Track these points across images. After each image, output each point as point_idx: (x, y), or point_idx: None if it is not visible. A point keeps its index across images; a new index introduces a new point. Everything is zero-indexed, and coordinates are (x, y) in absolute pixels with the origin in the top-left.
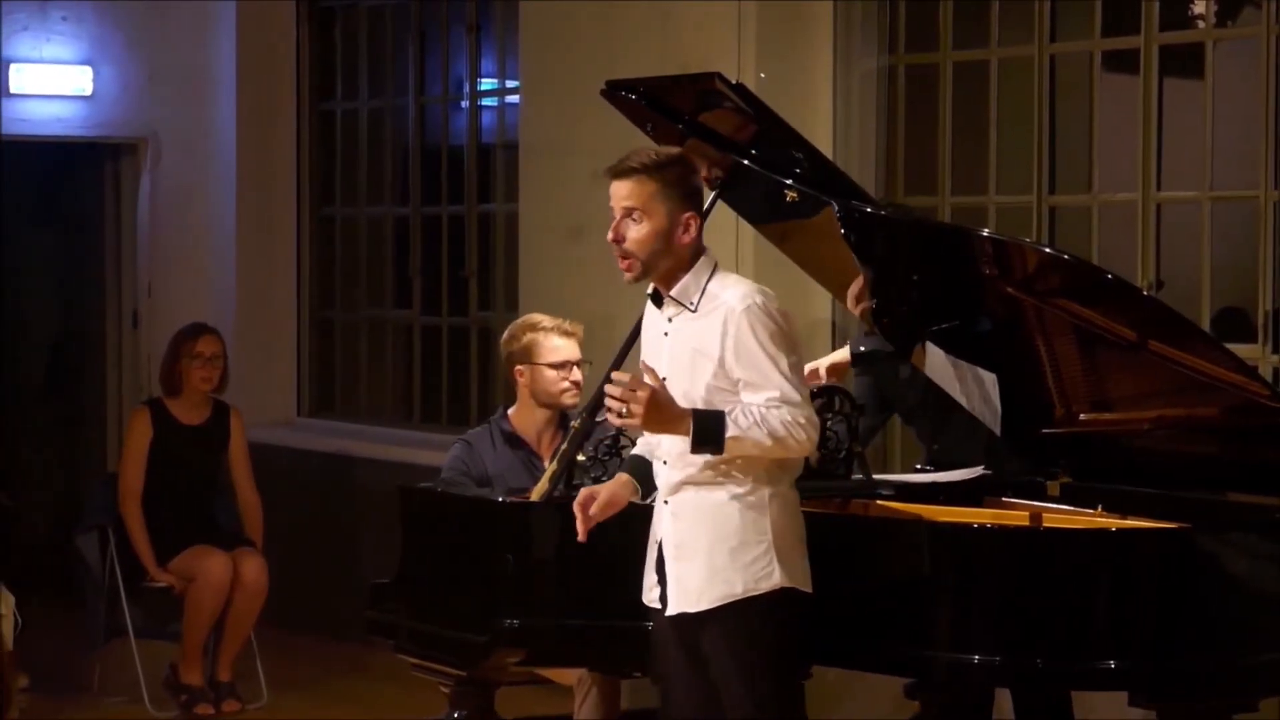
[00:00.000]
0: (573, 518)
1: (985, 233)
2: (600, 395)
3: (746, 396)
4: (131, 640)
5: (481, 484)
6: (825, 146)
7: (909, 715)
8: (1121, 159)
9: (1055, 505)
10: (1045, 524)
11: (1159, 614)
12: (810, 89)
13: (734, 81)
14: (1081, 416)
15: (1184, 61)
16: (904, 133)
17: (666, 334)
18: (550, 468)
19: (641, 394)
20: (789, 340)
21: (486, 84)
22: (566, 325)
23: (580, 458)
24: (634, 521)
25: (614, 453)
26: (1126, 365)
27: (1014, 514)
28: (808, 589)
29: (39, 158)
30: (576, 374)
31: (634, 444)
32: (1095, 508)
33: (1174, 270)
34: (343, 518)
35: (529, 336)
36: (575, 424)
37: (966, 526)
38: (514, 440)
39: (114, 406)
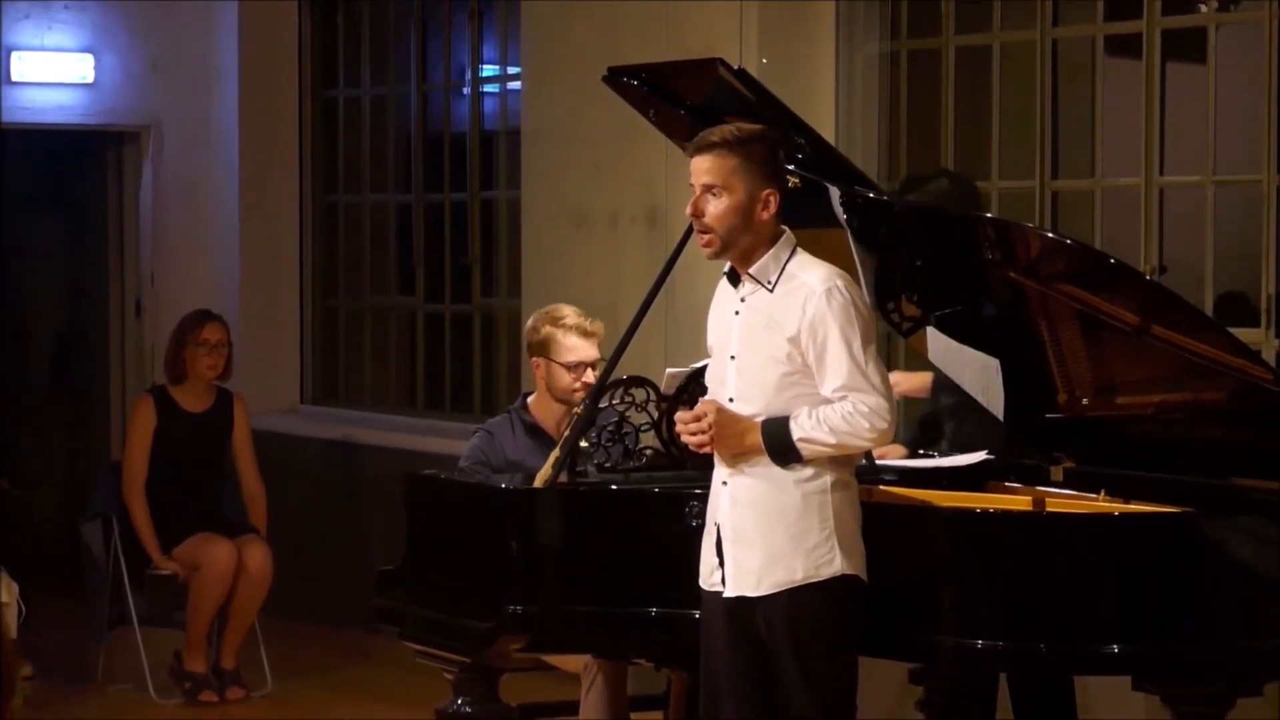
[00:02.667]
0: (578, 505)
1: (988, 217)
2: (604, 380)
3: (822, 384)
4: (136, 628)
5: (500, 472)
6: (828, 132)
7: (914, 700)
8: (1124, 143)
9: (1059, 490)
10: (1049, 509)
11: (1162, 598)
12: (813, 74)
13: (736, 67)
14: (1085, 401)
15: (1187, 46)
16: (906, 118)
17: (738, 312)
18: (553, 454)
19: (709, 419)
20: (866, 327)
21: (489, 71)
22: (587, 324)
23: (583, 444)
24: (638, 508)
25: (617, 439)
26: (1130, 350)
27: (1017, 499)
28: (865, 578)
29: (41, 146)
30: (589, 376)
31: (635, 432)
32: (1099, 492)
33: (1177, 255)
34: (347, 505)
35: (548, 330)
36: (578, 410)
37: (970, 511)
38: (533, 430)
39: (118, 395)
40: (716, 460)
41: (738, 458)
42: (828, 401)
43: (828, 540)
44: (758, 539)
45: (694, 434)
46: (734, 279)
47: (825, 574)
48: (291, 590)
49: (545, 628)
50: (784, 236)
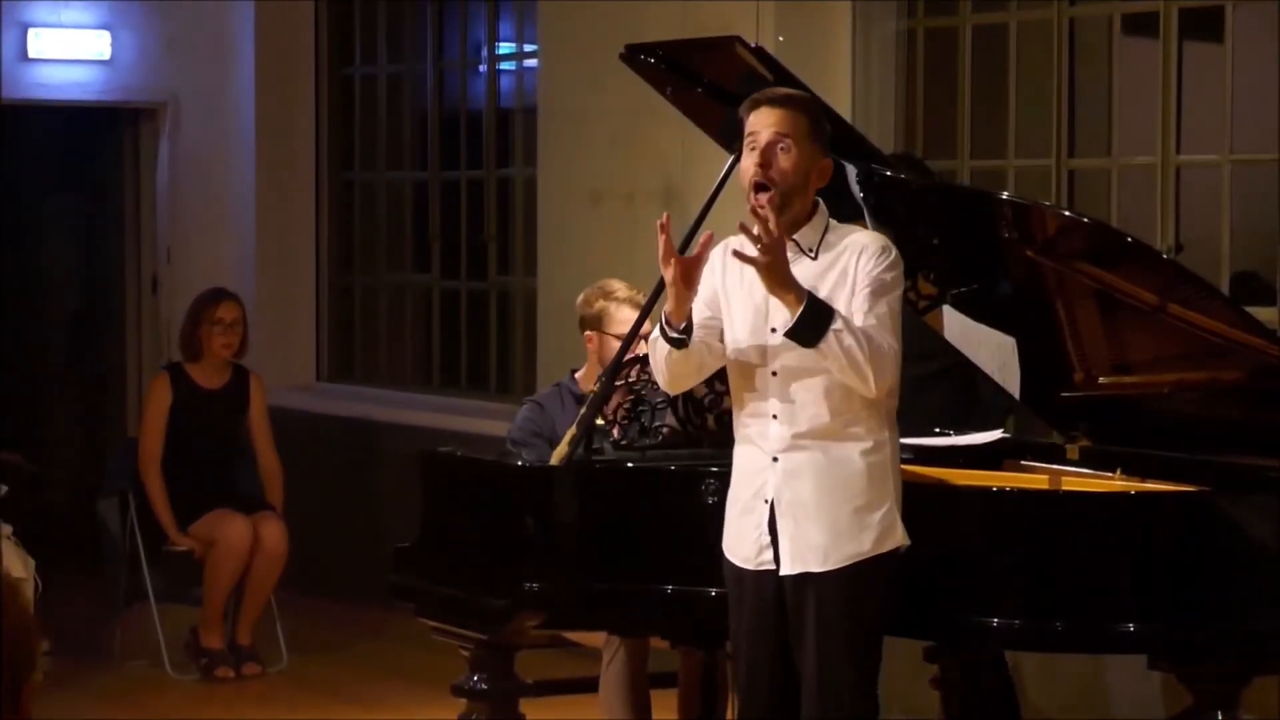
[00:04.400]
0: (594, 482)
1: (1005, 196)
2: (620, 358)
3: (849, 310)
4: (152, 604)
5: (554, 445)
6: (844, 109)
7: (929, 678)
8: (1141, 122)
9: (1075, 469)
10: (1065, 487)
11: (1178, 577)
12: (829, 52)
13: (753, 44)
14: (1101, 380)
15: (1204, 25)
16: (923, 96)
17: None
18: (570, 431)
19: (780, 239)
20: (900, 290)
21: (505, 48)
22: (639, 297)
23: (599, 421)
24: (655, 485)
25: (633, 417)
26: (1146, 329)
27: (1034, 477)
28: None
29: (58, 123)
30: (643, 347)
31: (653, 409)
32: (1115, 471)
33: (1193, 233)
34: (362, 482)
35: (601, 304)
36: (594, 387)
37: (987, 489)
38: (583, 401)
39: (134, 372)
40: (759, 436)
41: (793, 427)
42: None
43: (890, 512)
44: (822, 513)
45: (761, 234)
46: None
47: (888, 546)
48: (307, 567)
49: (561, 605)
50: (821, 207)
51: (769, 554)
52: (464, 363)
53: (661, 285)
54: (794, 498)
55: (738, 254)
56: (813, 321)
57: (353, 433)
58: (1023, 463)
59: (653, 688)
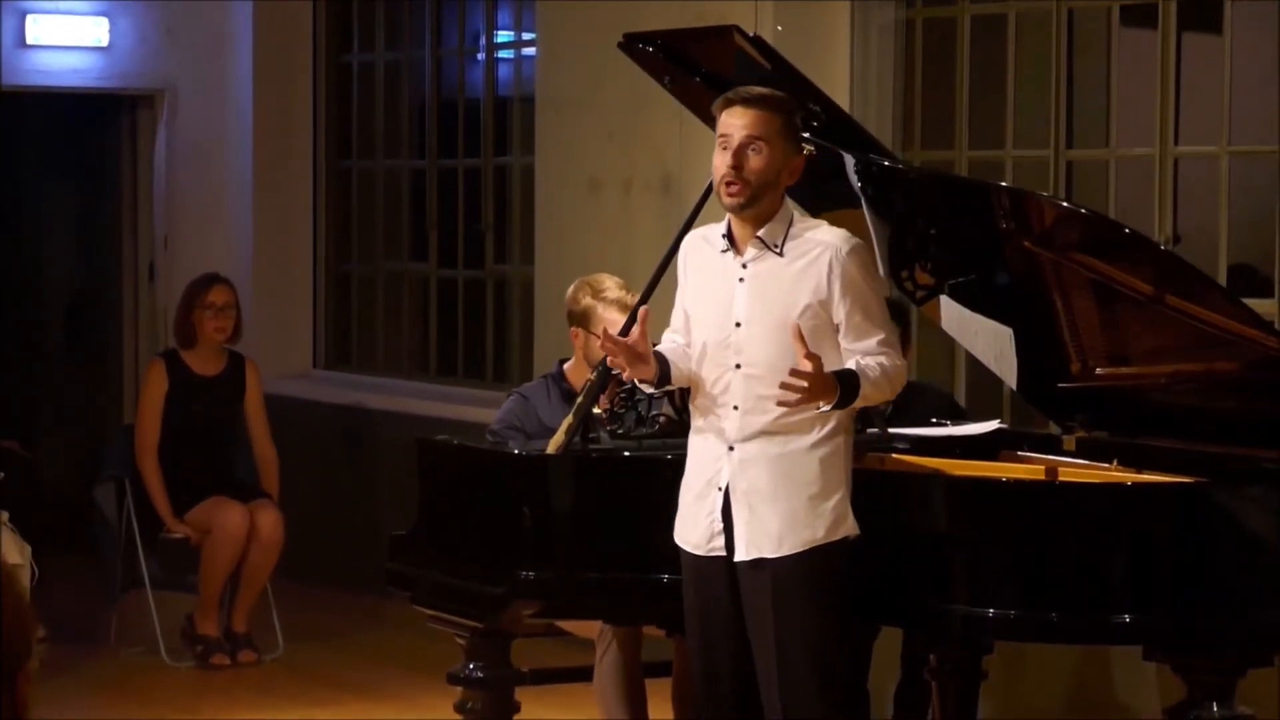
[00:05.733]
0: (590, 471)
1: (1003, 186)
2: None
3: (852, 342)
4: (148, 591)
5: (534, 438)
6: (842, 99)
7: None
8: (1139, 113)
9: (1071, 459)
10: (1061, 478)
11: (1175, 568)
12: (828, 42)
13: (752, 34)
14: (1098, 371)
15: (1202, 16)
16: (921, 86)
17: (742, 279)
18: (566, 420)
19: (818, 380)
20: (883, 282)
21: (503, 36)
22: (628, 299)
23: (596, 410)
24: (651, 474)
25: (630, 405)
26: (1143, 320)
27: (1030, 468)
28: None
29: (56, 109)
30: None
31: (650, 399)
32: (1111, 462)
33: (1191, 225)
34: (359, 470)
35: (588, 302)
36: (591, 376)
37: (983, 480)
38: (570, 395)
39: (131, 359)
40: (717, 426)
41: (757, 420)
42: (849, 354)
43: (843, 501)
44: (777, 500)
45: (806, 391)
46: (731, 246)
47: (839, 534)
48: (303, 554)
49: (557, 594)
50: (787, 202)
51: (720, 540)
52: (461, 351)
53: (655, 278)
54: (749, 485)
55: (782, 401)
56: (847, 398)
57: (349, 421)
58: (1019, 453)
59: (647, 677)
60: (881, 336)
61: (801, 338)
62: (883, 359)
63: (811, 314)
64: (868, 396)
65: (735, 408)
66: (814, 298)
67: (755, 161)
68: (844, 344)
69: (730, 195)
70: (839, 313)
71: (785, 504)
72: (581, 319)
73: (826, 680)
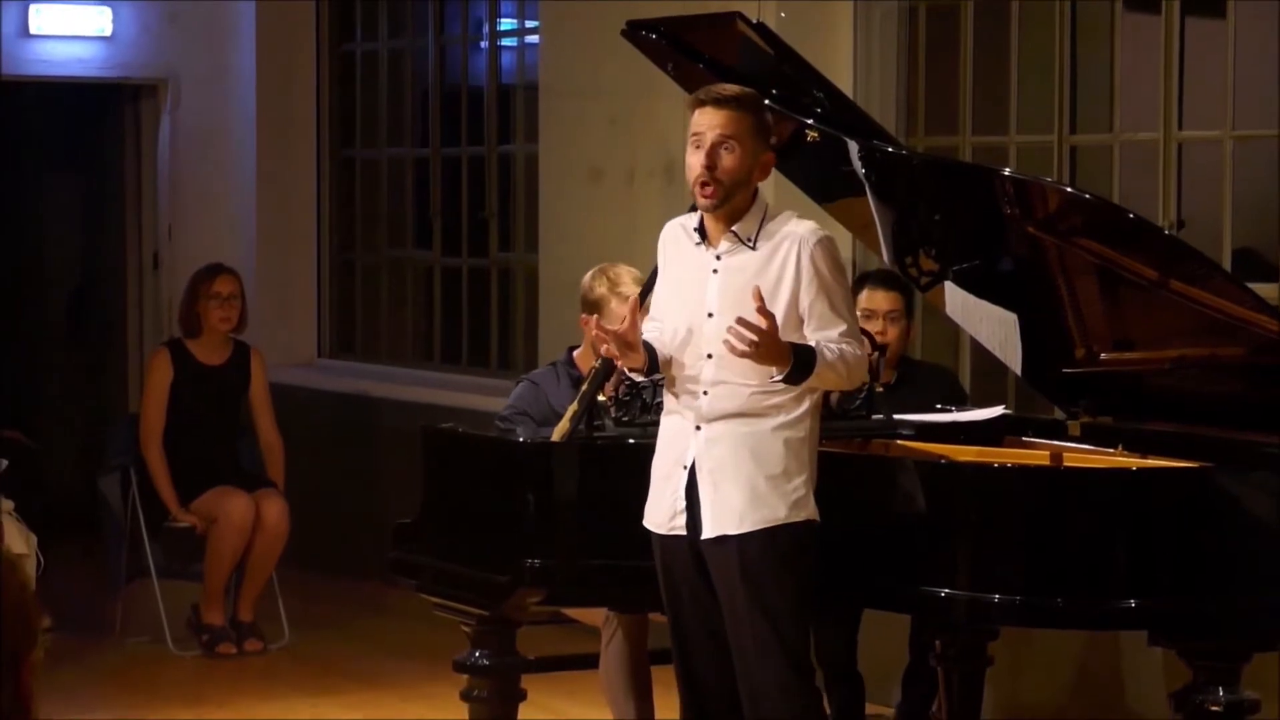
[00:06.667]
0: (595, 459)
1: (1006, 172)
2: None
3: (815, 331)
4: (154, 581)
5: (544, 424)
6: (845, 86)
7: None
8: (1143, 98)
9: (1076, 445)
10: (1066, 464)
11: (1179, 553)
12: (831, 28)
13: (755, 21)
14: (1103, 356)
15: (1206, 1)
16: (925, 72)
17: (716, 270)
18: (571, 408)
19: (769, 332)
20: (847, 275)
21: (506, 24)
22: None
23: (601, 398)
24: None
25: (635, 393)
26: (1148, 305)
27: (1035, 453)
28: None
29: (59, 99)
30: None
31: (655, 386)
32: (1116, 447)
33: (1195, 209)
34: (363, 458)
35: (602, 292)
36: (596, 364)
37: (987, 466)
38: (579, 381)
39: (135, 348)
40: (688, 408)
41: (724, 403)
42: (815, 343)
43: (806, 484)
44: (740, 478)
45: (746, 341)
46: (702, 238)
47: (801, 516)
48: (308, 543)
49: (562, 581)
50: (760, 197)
51: (681, 519)
52: (465, 339)
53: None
54: (715, 463)
55: (729, 345)
56: (803, 369)
57: (354, 409)
58: (1024, 439)
59: (653, 664)
60: (844, 327)
61: (760, 296)
62: (844, 346)
63: (788, 302)
64: (823, 377)
65: (705, 393)
66: (787, 288)
67: (728, 160)
68: (808, 333)
69: (706, 196)
70: (804, 301)
71: (748, 482)
72: (594, 308)
73: (797, 652)
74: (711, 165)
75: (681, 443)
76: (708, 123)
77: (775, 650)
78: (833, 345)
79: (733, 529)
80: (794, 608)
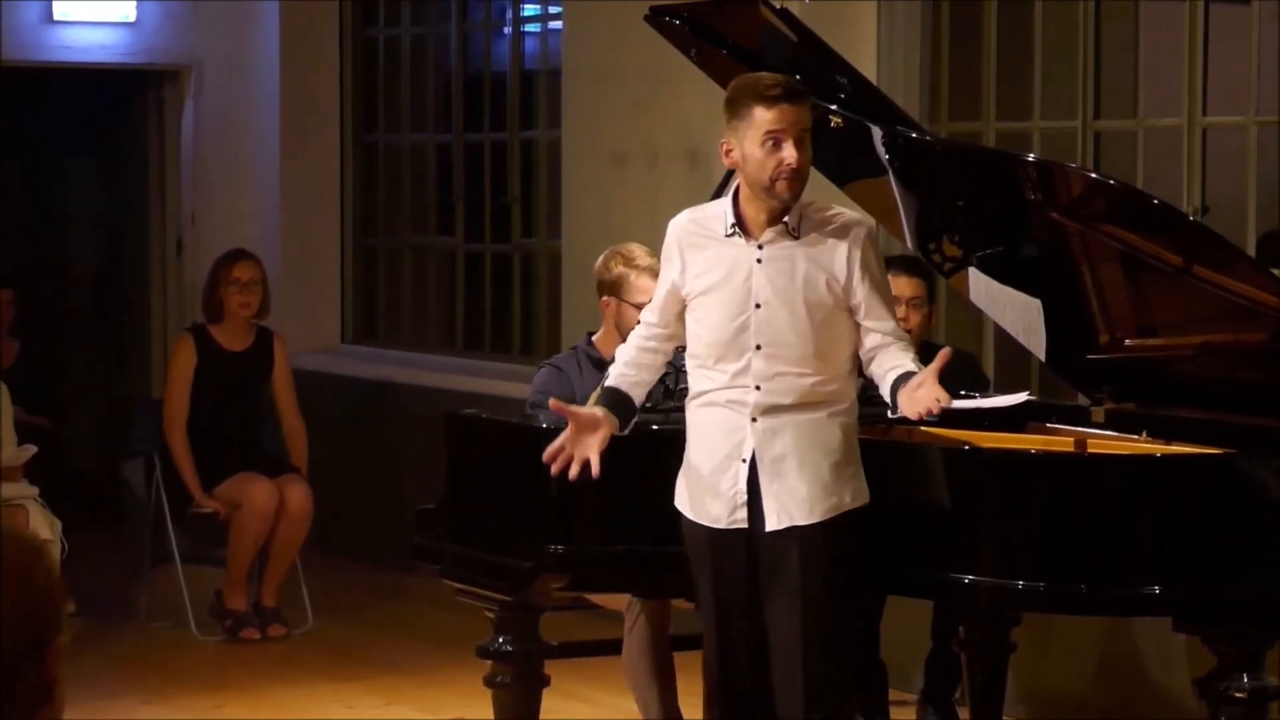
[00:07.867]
0: (619, 444)
1: (1030, 158)
2: None
3: (868, 321)
4: (177, 566)
5: None
6: (869, 71)
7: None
8: (1167, 83)
9: (1100, 431)
10: (1090, 450)
11: (1204, 540)
12: (855, 13)
13: (779, 6)
14: (1126, 342)
15: None
16: (948, 57)
17: (760, 260)
18: (594, 394)
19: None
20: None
21: (529, 10)
22: (658, 265)
23: None
24: (678, 449)
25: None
26: (1171, 290)
27: (1059, 440)
28: None
29: (83, 85)
30: None
31: (678, 372)
32: (1140, 434)
33: (1219, 195)
34: (386, 444)
35: (620, 270)
36: (617, 353)
37: (1011, 452)
38: (601, 364)
39: (159, 334)
40: (738, 401)
41: (777, 398)
42: (869, 332)
43: (859, 470)
44: (805, 467)
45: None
46: (741, 231)
47: (859, 502)
48: (331, 529)
49: (585, 567)
50: None
51: (743, 513)
52: (488, 325)
53: None
54: (778, 455)
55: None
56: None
57: (376, 395)
58: (1048, 425)
59: (676, 650)
60: (893, 321)
61: (940, 365)
62: (905, 344)
63: (836, 291)
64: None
65: (757, 387)
66: (831, 277)
67: (806, 154)
68: (864, 323)
69: (794, 189)
70: (857, 293)
71: (813, 470)
72: (614, 288)
73: (844, 643)
74: (804, 162)
75: (735, 435)
76: (789, 119)
77: (830, 640)
78: (910, 353)
79: (802, 519)
80: (848, 596)
